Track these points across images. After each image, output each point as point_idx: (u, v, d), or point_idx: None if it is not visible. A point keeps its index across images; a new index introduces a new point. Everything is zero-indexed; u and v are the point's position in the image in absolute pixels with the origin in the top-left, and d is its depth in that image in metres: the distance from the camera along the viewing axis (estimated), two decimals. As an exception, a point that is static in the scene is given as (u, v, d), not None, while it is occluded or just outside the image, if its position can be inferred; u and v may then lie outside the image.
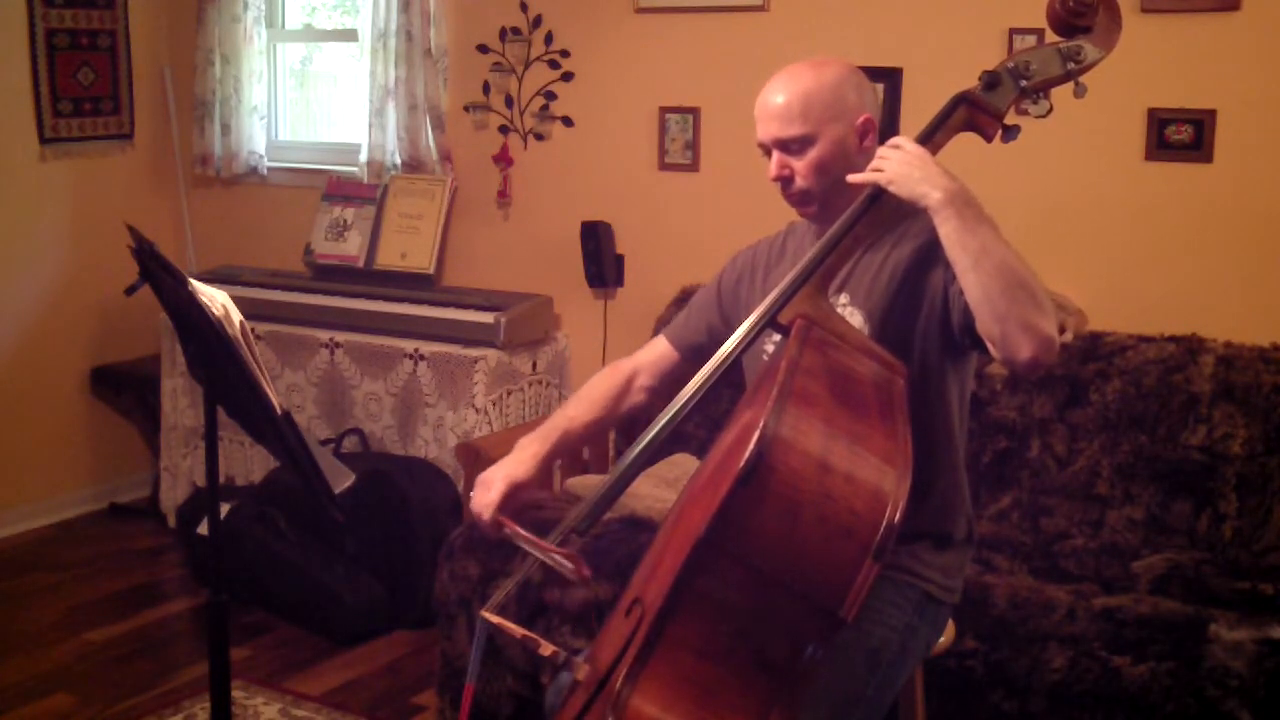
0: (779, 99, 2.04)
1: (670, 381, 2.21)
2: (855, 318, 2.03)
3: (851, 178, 1.94)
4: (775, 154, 2.06)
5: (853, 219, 1.92)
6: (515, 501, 2.07)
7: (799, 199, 2.08)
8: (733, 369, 1.94)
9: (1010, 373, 1.81)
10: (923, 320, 1.98)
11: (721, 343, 1.99)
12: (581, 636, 2.76)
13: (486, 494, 2.06)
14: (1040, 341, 1.75)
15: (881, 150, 1.91)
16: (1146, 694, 2.41)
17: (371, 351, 4.02)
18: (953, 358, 2.01)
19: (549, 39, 4.08)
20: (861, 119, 2.05)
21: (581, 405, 2.22)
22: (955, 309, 1.91)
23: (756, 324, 1.90)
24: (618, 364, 2.30)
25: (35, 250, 4.54)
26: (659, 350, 2.30)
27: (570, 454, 2.15)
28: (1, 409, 4.44)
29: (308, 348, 4.13)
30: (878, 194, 1.91)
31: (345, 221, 4.46)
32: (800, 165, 2.04)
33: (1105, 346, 3.14)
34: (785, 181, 2.06)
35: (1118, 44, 1.94)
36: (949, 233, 1.81)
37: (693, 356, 2.19)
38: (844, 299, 2.05)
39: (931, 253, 1.94)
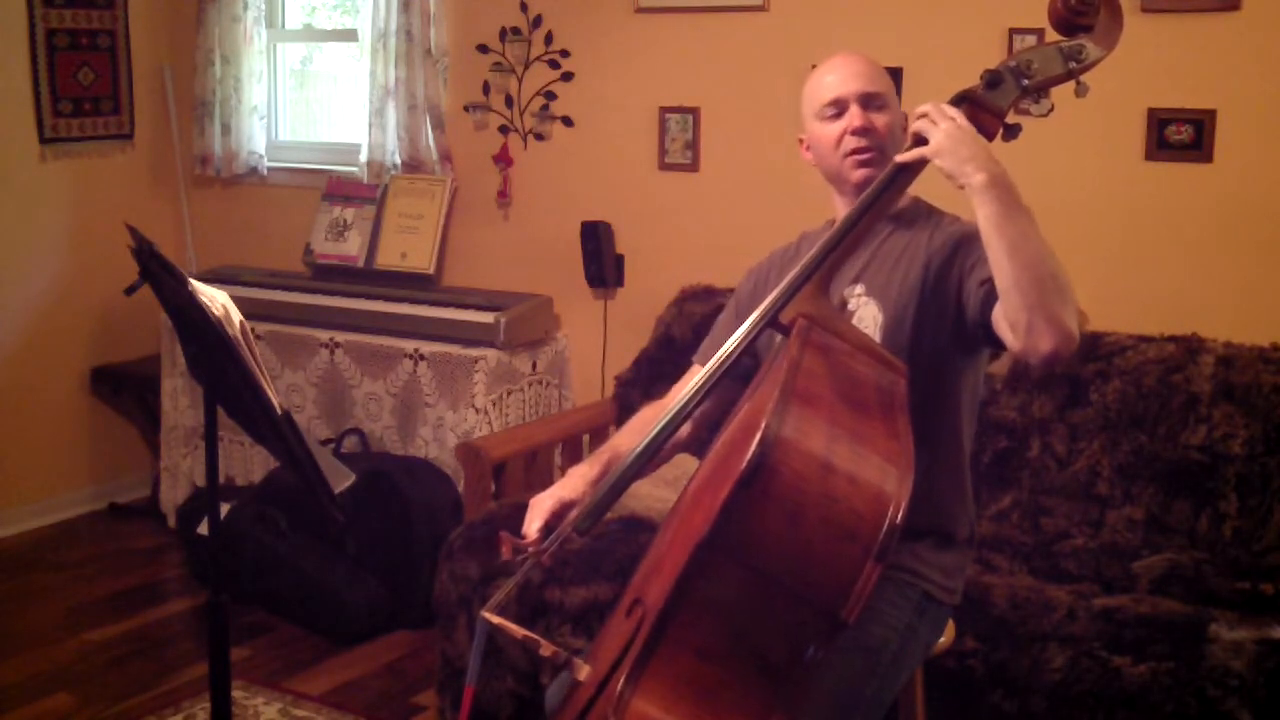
0: (857, 64, 2.11)
1: (712, 405, 2.20)
2: (870, 308, 2.03)
3: (900, 157, 1.92)
4: (856, 107, 2.08)
5: (853, 219, 1.92)
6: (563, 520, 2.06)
7: (872, 156, 2.07)
8: (738, 370, 1.94)
9: (1027, 364, 1.82)
10: (935, 315, 1.98)
11: (760, 359, 2.00)
12: (582, 637, 2.76)
13: (535, 519, 2.05)
14: (1063, 335, 1.75)
15: (923, 117, 1.88)
16: (1146, 694, 2.41)
17: (371, 351, 4.02)
18: (965, 355, 2.00)
19: (549, 39, 4.08)
20: (903, 111, 2.13)
21: (627, 434, 2.20)
22: (971, 303, 1.91)
23: (757, 324, 1.90)
24: (658, 401, 2.28)
25: (35, 250, 4.54)
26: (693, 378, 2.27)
27: None
28: (1, 409, 4.44)
29: (308, 348, 4.13)
30: (879, 194, 1.91)
31: (345, 221, 4.46)
32: (880, 122, 2.08)
33: (1105, 346, 3.14)
34: (865, 132, 2.07)
35: (1119, 43, 1.94)
36: (988, 215, 1.80)
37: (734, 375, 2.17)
38: (859, 289, 2.05)
39: (950, 249, 1.94)
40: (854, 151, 2.08)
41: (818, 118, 2.12)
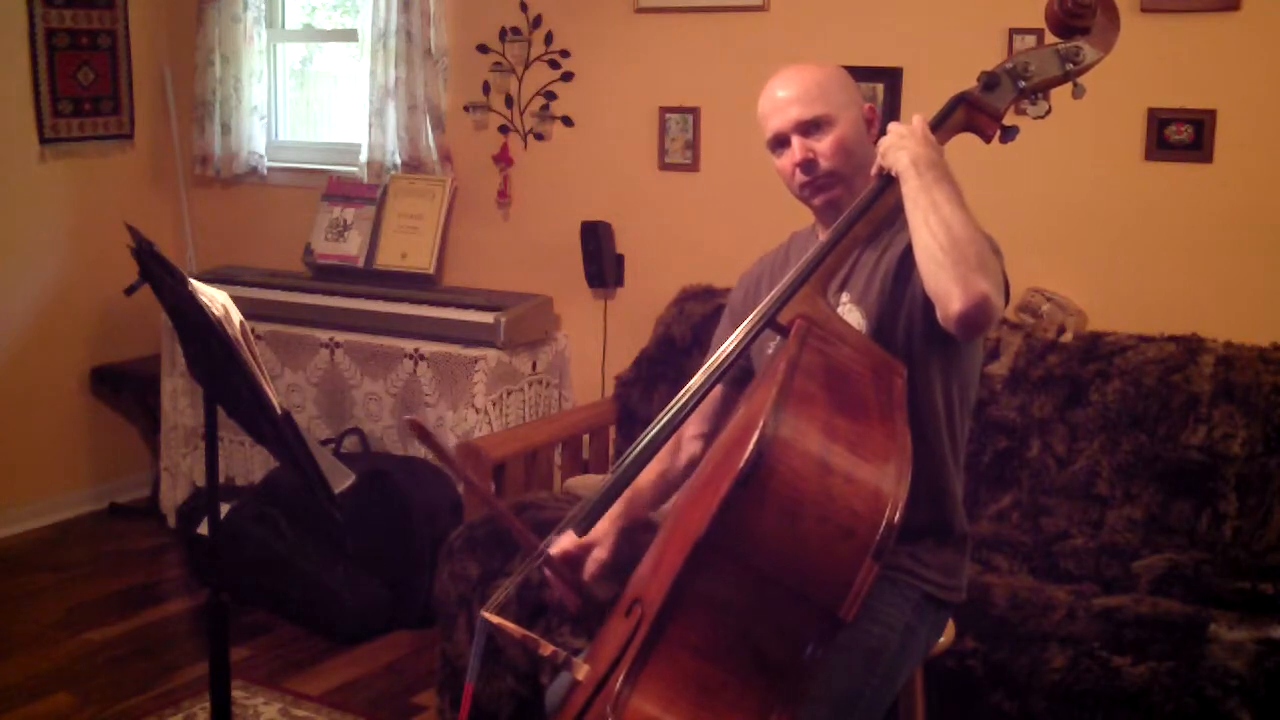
0: (791, 88, 2.08)
1: (723, 416, 2.18)
2: (854, 314, 2.03)
3: (872, 173, 1.95)
4: (796, 140, 2.06)
5: (850, 220, 1.92)
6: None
7: (824, 183, 2.07)
8: (738, 369, 1.94)
9: (951, 333, 1.79)
10: (906, 309, 1.98)
11: (752, 361, 1.99)
12: (581, 636, 2.76)
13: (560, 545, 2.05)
14: (972, 296, 1.73)
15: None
16: (1146, 694, 2.41)
17: (371, 351, 4.02)
18: (940, 347, 1.99)
19: (549, 39, 4.08)
20: (866, 107, 2.11)
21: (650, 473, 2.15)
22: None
23: (756, 324, 1.90)
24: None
25: (35, 250, 4.54)
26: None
27: (641, 516, 2.17)
28: (1, 409, 4.44)
29: (308, 348, 4.13)
30: (875, 196, 1.92)
31: (345, 221, 4.46)
32: (823, 147, 2.06)
33: (1105, 346, 3.14)
34: (809, 166, 2.06)
35: (1116, 45, 1.94)
36: (907, 193, 1.83)
37: (733, 383, 2.16)
38: (845, 297, 2.06)
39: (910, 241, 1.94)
40: (804, 185, 2.09)
41: (767, 147, 2.13)
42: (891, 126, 1.92)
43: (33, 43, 4.41)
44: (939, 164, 1.84)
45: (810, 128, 2.06)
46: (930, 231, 1.78)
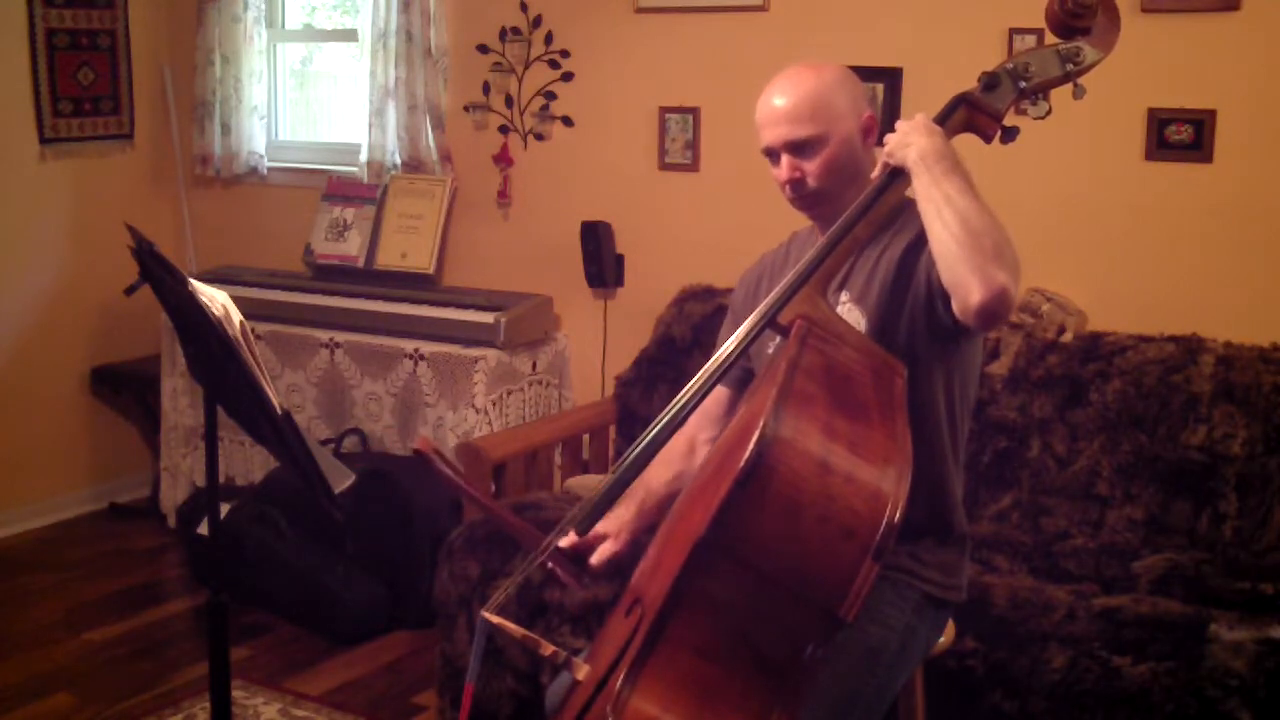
0: (785, 101, 2.06)
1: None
2: (854, 314, 2.03)
3: (874, 175, 1.95)
4: (785, 157, 2.06)
5: (851, 220, 1.92)
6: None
7: (811, 201, 2.08)
8: (741, 370, 1.94)
9: (969, 327, 1.79)
10: (908, 307, 1.98)
11: (753, 361, 1.99)
12: (581, 636, 2.76)
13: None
14: (991, 288, 1.72)
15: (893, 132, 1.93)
16: (1146, 694, 2.41)
17: (371, 351, 4.02)
18: (941, 346, 1.99)
19: (549, 39, 4.08)
20: (865, 116, 2.09)
21: (655, 467, 2.12)
22: (938, 290, 1.90)
23: (757, 324, 1.90)
24: (684, 431, 2.20)
25: (35, 250, 4.54)
26: (708, 399, 2.25)
27: (658, 515, 2.16)
28: (1, 409, 4.44)
29: (308, 348, 4.13)
30: (879, 194, 1.92)
31: (345, 221, 4.46)
32: (812, 166, 2.05)
33: (1105, 346, 3.14)
34: (797, 184, 2.06)
35: (1116, 45, 1.94)
36: (919, 188, 1.83)
37: (740, 385, 2.17)
38: (845, 296, 2.06)
39: (918, 241, 1.94)
40: (792, 200, 2.10)
41: (762, 153, 2.12)
42: (898, 124, 1.91)
43: (33, 43, 4.41)
44: (948, 155, 1.83)
45: (800, 147, 2.05)
46: (944, 224, 1.77)
